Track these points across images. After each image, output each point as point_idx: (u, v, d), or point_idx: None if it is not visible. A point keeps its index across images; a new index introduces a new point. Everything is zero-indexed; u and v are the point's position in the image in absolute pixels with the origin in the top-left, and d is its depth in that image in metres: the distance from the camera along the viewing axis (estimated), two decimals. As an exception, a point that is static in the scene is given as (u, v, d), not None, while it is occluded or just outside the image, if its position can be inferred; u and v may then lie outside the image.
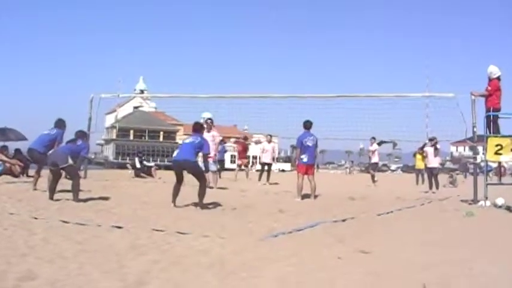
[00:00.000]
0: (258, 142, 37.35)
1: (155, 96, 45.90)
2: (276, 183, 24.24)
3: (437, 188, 23.05)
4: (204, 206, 12.30)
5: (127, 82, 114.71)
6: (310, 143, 15.94)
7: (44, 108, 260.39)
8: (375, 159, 28.58)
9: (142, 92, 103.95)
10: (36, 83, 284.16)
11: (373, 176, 27.96)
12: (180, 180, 12.85)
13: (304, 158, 15.92)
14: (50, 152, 14.32)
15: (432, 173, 23.83)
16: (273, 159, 26.64)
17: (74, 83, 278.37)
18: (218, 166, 29.01)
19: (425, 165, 25.08)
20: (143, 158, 31.06)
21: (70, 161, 12.81)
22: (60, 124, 15.70)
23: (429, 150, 24.07)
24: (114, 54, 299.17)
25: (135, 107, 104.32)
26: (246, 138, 33.25)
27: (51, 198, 12.61)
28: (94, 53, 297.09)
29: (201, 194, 12.49)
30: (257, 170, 34.29)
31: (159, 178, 25.75)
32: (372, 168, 29.26)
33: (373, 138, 26.92)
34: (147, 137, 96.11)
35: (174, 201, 12.50)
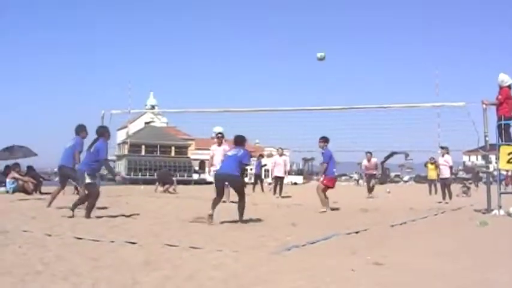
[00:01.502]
0: (269, 155, 37.55)
1: (166, 111, 46.17)
2: (289, 196, 24.31)
3: (450, 198, 23.04)
4: (244, 221, 12.25)
5: (138, 98, 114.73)
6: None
7: (56, 126, 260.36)
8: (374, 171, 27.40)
9: (153, 107, 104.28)
10: (47, 100, 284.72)
11: (370, 188, 26.13)
12: (220, 194, 12.77)
13: (335, 171, 16.59)
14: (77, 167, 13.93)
15: (445, 183, 23.85)
16: (285, 172, 26.86)
17: (84, 99, 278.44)
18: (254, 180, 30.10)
19: (438, 175, 25.10)
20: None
21: (88, 180, 12.77)
22: (78, 130, 15.48)
23: (440, 160, 24.19)
24: (124, 70, 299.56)
25: (146, 123, 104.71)
26: (261, 156, 33.75)
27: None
28: (104, 70, 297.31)
29: (242, 208, 12.45)
30: (269, 184, 34.64)
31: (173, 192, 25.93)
32: (367, 181, 27.03)
33: (369, 153, 26.11)
34: (158, 152, 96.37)
35: (211, 216, 12.13)
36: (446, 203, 21.85)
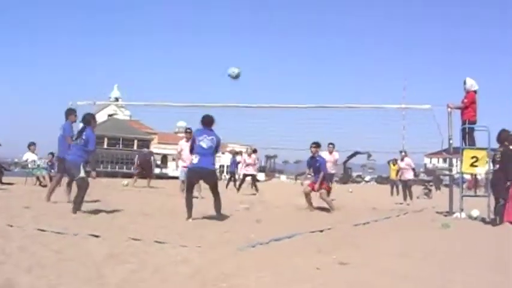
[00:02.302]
0: (232, 152, 37.53)
1: (129, 104, 45.83)
2: (254, 194, 24.42)
3: (411, 199, 23.28)
4: (209, 218, 12.08)
5: (101, 90, 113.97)
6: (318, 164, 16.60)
7: (20, 115, 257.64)
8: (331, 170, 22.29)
9: (116, 99, 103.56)
10: (10, 90, 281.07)
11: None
12: (192, 190, 12.40)
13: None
14: (68, 157, 12.96)
15: (406, 184, 24.13)
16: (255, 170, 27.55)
17: (46, 90, 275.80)
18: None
19: (400, 177, 25.38)
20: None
21: (82, 174, 12.46)
22: (66, 114, 15.39)
23: (401, 164, 24.52)
24: (88, 62, 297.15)
25: (110, 115, 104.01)
26: (236, 153, 33.95)
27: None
28: (69, 59, 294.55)
29: (219, 205, 12.23)
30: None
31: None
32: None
33: (331, 144, 22.10)
34: (121, 145, 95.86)
35: (190, 215, 11.86)
36: (408, 204, 22.11)
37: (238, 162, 32.69)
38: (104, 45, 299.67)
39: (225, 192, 26.23)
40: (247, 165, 26.77)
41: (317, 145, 16.57)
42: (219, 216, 12.00)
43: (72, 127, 15.01)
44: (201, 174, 12.11)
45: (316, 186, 16.15)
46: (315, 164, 16.37)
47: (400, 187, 26.19)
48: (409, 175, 24.35)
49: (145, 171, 29.94)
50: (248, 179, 27.18)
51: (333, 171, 21.07)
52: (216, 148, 12.01)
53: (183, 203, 12.35)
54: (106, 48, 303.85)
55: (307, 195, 16.32)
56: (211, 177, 12.21)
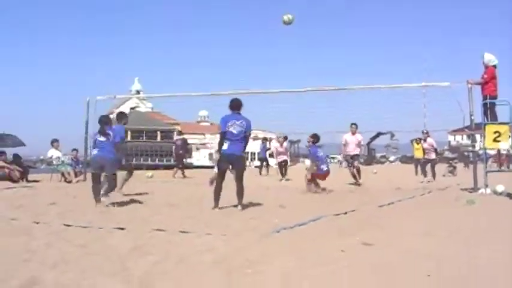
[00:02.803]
0: (255, 138, 37.56)
1: (151, 96, 45.96)
2: (290, 179, 24.42)
3: (434, 178, 23.17)
4: (245, 206, 11.85)
5: (122, 84, 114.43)
6: (321, 153, 16.88)
7: (41, 113, 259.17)
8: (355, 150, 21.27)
9: (138, 92, 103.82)
10: (33, 86, 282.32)
11: (355, 173, 20.79)
12: (223, 177, 12.03)
13: (324, 167, 16.58)
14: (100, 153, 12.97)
15: (431, 164, 24.14)
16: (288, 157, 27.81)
17: (69, 86, 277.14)
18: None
19: (424, 155, 25.31)
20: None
21: (114, 170, 13.20)
22: (119, 118, 15.61)
23: (424, 144, 24.53)
24: (108, 56, 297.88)
25: (132, 108, 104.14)
26: (265, 139, 34.04)
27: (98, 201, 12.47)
28: (88, 56, 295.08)
29: (242, 193, 11.88)
30: (256, 167, 35.05)
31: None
32: (351, 163, 21.08)
33: (354, 124, 21.11)
34: (144, 137, 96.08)
35: (216, 205, 11.72)
36: (429, 181, 22.02)
37: (268, 148, 32.71)
38: (123, 41, 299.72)
39: (257, 177, 26.58)
40: (280, 153, 27.02)
41: (313, 137, 16.59)
42: (241, 204, 11.76)
43: (124, 130, 15.44)
44: (230, 161, 11.85)
45: (308, 176, 16.32)
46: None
47: (419, 165, 26.23)
48: (432, 155, 24.40)
49: (179, 160, 29.57)
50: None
51: (356, 152, 20.88)
52: (246, 132, 11.77)
53: (209, 192, 12.36)
54: (126, 43, 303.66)
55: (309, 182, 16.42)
56: (238, 163, 11.94)
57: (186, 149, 29.94)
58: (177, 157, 29.96)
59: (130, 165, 15.58)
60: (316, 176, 16.36)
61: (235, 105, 11.99)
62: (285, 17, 16.87)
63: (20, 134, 29.36)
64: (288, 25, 17.03)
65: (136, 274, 5.51)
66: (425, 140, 24.48)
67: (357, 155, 20.52)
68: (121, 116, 15.57)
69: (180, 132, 32.55)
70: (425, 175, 23.83)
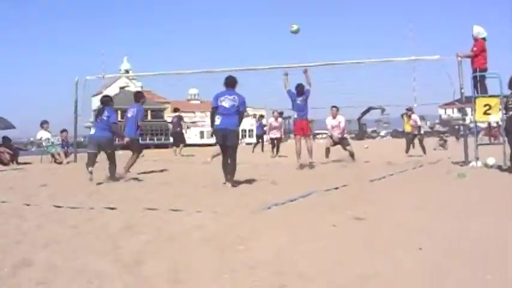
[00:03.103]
0: (246, 116, 37.45)
1: (140, 75, 45.67)
2: (285, 156, 24.36)
3: (424, 153, 23.01)
4: (235, 183, 11.72)
5: (111, 63, 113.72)
6: (299, 102, 16.69)
7: (30, 94, 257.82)
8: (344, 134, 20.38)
9: (127, 72, 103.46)
10: (19, 68, 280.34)
11: (350, 152, 19.73)
12: (225, 153, 11.95)
13: (295, 114, 16.72)
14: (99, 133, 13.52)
15: (418, 138, 24.10)
16: (281, 134, 27.58)
17: (58, 66, 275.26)
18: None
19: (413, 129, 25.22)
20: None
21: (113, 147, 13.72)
22: (137, 97, 15.91)
23: (409, 121, 24.34)
24: (96, 35, 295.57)
25: (121, 88, 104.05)
26: (261, 117, 34.07)
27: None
28: (75, 35, 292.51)
29: (234, 170, 11.82)
30: (247, 144, 35.00)
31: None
32: (345, 144, 20.03)
33: (334, 107, 20.39)
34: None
35: (227, 179, 11.72)
36: (420, 156, 21.96)
37: (265, 125, 32.58)
38: (111, 19, 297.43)
39: (249, 154, 26.59)
40: (274, 128, 26.67)
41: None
42: (231, 181, 11.63)
43: (143, 109, 15.71)
44: (224, 135, 11.67)
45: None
46: None
47: (406, 140, 25.99)
48: (415, 131, 24.23)
49: (177, 138, 29.33)
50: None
51: (339, 135, 19.81)
52: (239, 107, 11.70)
53: (200, 169, 12.36)
54: (114, 21, 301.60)
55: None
56: (231, 138, 11.75)
57: (181, 125, 29.61)
58: (174, 135, 29.81)
59: (140, 146, 16.16)
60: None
61: (230, 82, 12.02)
62: (294, 27, 17.52)
63: (9, 116, 29.28)
64: (295, 34, 17.74)
65: (128, 253, 5.51)
66: (409, 117, 24.26)
67: (344, 138, 20.03)
68: (139, 95, 15.91)
69: (176, 109, 32.32)
70: (407, 151, 23.71)
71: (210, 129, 12.85)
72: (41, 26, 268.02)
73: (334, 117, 20.07)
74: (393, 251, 5.35)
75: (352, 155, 18.92)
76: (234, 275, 4.66)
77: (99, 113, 13.44)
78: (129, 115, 15.01)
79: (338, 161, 18.29)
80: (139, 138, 15.85)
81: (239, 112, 11.76)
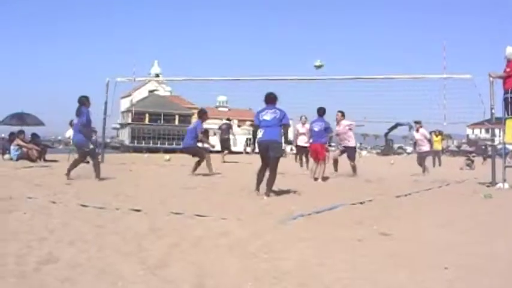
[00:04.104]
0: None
1: (170, 79, 45.93)
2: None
3: (423, 171, 21.92)
4: (271, 195, 11.52)
5: (141, 66, 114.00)
6: (316, 128, 16.47)
7: (61, 94, 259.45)
8: (350, 143, 19.36)
9: (157, 75, 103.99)
10: (53, 68, 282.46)
11: (352, 167, 18.93)
12: (266, 164, 11.83)
13: (311, 139, 16.83)
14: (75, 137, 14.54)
15: (423, 156, 22.75)
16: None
17: (89, 67, 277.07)
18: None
19: (442, 147, 24.68)
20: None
21: (90, 146, 13.95)
22: (200, 114, 18.00)
23: (416, 135, 22.87)
24: (128, 38, 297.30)
25: (150, 91, 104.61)
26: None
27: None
28: (109, 37, 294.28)
29: (272, 182, 11.65)
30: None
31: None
32: (349, 155, 19.15)
33: (340, 112, 19.28)
34: (162, 121, 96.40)
35: (258, 188, 11.68)
36: (425, 174, 21.28)
37: None
38: (144, 22, 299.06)
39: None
40: (301, 134, 22.56)
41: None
42: (268, 194, 11.42)
43: (202, 125, 17.34)
44: (266, 147, 11.64)
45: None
46: None
47: (430, 159, 24.60)
48: (425, 147, 22.94)
49: (224, 145, 29.15)
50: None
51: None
52: (281, 120, 11.71)
53: (225, 176, 12.36)
54: (146, 24, 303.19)
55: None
56: (273, 149, 11.61)
57: (229, 133, 29.39)
58: (221, 142, 29.63)
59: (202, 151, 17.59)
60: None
61: (270, 98, 12.05)
62: (317, 63, 17.89)
63: (38, 113, 29.46)
64: (320, 68, 18.06)
65: (153, 256, 5.53)
66: (417, 131, 22.97)
67: (350, 148, 19.59)
68: (201, 113, 18.09)
69: (228, 119, 32.22)
70: (423, 170, 22.40)
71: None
72: (77, 25, 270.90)
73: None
74: (418, 268, 5.31)
75: (354, 169, 18.42)
76: (258, 284, 4.66)
77: (76, 113, 14.01)
78: (189, 127, 17.42)
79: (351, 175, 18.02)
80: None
81: (282, 125, 11.81)
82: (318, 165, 16.23)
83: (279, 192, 11.84)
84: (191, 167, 16.53)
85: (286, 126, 11.92)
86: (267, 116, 11.71)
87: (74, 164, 14.04)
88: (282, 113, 11.80)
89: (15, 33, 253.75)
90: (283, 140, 12.02)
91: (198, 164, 16.73)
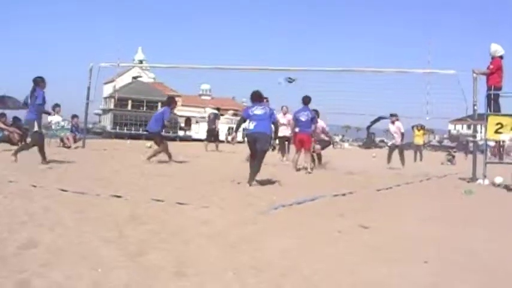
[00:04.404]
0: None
1: (154, 66, 45.76)
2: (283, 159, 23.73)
3: (403, 164, 21.73)
4: (256, 183, 11.75)
5: (125, 53, 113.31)
6: (303, 118, 16.34)
7: (46, 78, 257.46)
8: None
9: (141, 62, 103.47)
10: (35, 49, 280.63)
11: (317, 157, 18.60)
12: (254, 156, 12.11)
13: (297, 129, 16.57)
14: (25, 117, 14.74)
15: (399, 149, 22.54)
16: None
17: (72, 52, 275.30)
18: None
19: (424, 141, 24.69)
20: None
21: (36, 128, 13.77)
22: (169, 102, 18.03)
23: (391, 128, 22.65)
24: (112, 24, 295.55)
25: (134, 77, 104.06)
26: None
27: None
28: (92, 22, 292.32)
29: (257, 171, 11.93)
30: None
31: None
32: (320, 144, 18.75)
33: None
34: (145, 108, 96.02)
35: (251, 180, 11.66)
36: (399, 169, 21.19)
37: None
38: (128, 7, 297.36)
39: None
40: (282, 125, 20.61)
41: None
42: (251, 182, 11.59)
43: (170, 112, 17.19)
44: (256, 138, 11.91)
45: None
46: None
47: (396, 152, 24.09)
48: (399, 140, 22.67)
49: (211, 134, 28.88)
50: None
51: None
52: (271, 116, 12.12)
53: (209, 165, 12.34)
54: (131, 9, 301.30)
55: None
56: (262, 141, 11.88)
57: (216, 123, 29.06)
58: (208, 131, 29.37)
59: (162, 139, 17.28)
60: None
61: (256, 96, 12.39)
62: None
63: (20, 97, 29.25)
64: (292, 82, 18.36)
65: (133, 242, 5.52)
66: (393, 123, 22.80)
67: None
68: (171, 100, 18.27)
69: (217, 109, 31.75)
70: (388, 161, 22.24)
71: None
72: (61, 9, 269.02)
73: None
74: (398, 261, 5.34)
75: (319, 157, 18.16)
76: (238, 274, 4.66)
77: (30, 94, 14.02)
78: (156, 113, 17.19)
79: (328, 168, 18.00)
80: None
81: (273, 121, 12.33)
82: (300, 155, 16.22)
83: (261, 182, 11.84)
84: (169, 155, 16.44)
85: (276, 123, 12.51)
86: (258, 111, 11.97)
87: (23, 148, 14.47)
88: (271, 111, 12.29)
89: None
90: (272, 135, 12.44)
91: (157, 152, 16.71)
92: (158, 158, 16.32)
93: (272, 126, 12.33)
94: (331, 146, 26.43)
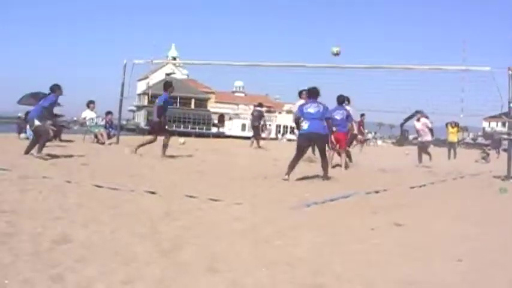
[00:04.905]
0: (289, 112, 36.58)
1: (187, 63, 45.61)
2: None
3: (430, 159, 21.47)
4: (329, 178, 12.28)
5: (159, 49, 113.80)
6: (338, 117, 15.92)
7: (78, 74, 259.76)
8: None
9: (174, 59, 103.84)
10: (73, 50, 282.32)
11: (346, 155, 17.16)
12: (302, 154, 12.59)
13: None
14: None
15: (425, 146, 22.20)
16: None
17: (107, 49, 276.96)
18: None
19: (458, 139, 24.39)
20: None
21: (37, 123, 13.89)
22: (166, 86, 17.16)
23: (417, 125, 22.32)
24: (146, 21, 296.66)
25: (167, 74, 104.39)
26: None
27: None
28: (127, 19, 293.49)
29: (326, 166, 12.42)
30: (288, 140, 33.68)
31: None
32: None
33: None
34: (178, 104, 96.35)
35: (289, 173, 11.97)
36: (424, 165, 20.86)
37: None
38: (162, 5, 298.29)
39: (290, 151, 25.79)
40: None
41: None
42: (325, 176, 12.24)
43: (166, 99, 16.68)
44: (312, 139, 12.38)
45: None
46: None
47: (418, 150, 23.75)
48: (427, 137, 22.39)
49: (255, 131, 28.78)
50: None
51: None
52: (324, 114, 12.20)
53: (239, 163, 12.37)
54: (164, 7, 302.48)
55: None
56: (320, 141, 12.35)
57: (259, 120, 28.89)
58: (253, 128, 29.33)
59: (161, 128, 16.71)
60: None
61: (312, 92, 12.58)
62: (334, 49, 17.62)
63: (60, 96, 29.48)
64: (337, 56, 17.89)
65: (167, 238, 5.55)
66: (418, 120, 22.40)
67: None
68: (167, 84, 17.23)
69: (260, 104, 31.50)
70: (420, 160, 21.96)
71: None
72: (96, 9, 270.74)
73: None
74: (432, 260, 5.30)
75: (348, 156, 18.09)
76: (271, 270, 4.66)
77: (43, 96, 14.76)
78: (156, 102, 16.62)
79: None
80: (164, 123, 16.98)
81: (327, 119, 12.36)
82: (335, 154, 16.15)
83: (293, 180, 11.83)
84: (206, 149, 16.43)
85: (328, 120, 12.38)
86: (311, 109, 12.13)
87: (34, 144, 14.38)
88: (325, 108, 12.31)
89: (35, 17, 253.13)
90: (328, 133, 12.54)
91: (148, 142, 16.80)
92: (189, 152, 16.35)
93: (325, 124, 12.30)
94: (363, 142, 26.10)
